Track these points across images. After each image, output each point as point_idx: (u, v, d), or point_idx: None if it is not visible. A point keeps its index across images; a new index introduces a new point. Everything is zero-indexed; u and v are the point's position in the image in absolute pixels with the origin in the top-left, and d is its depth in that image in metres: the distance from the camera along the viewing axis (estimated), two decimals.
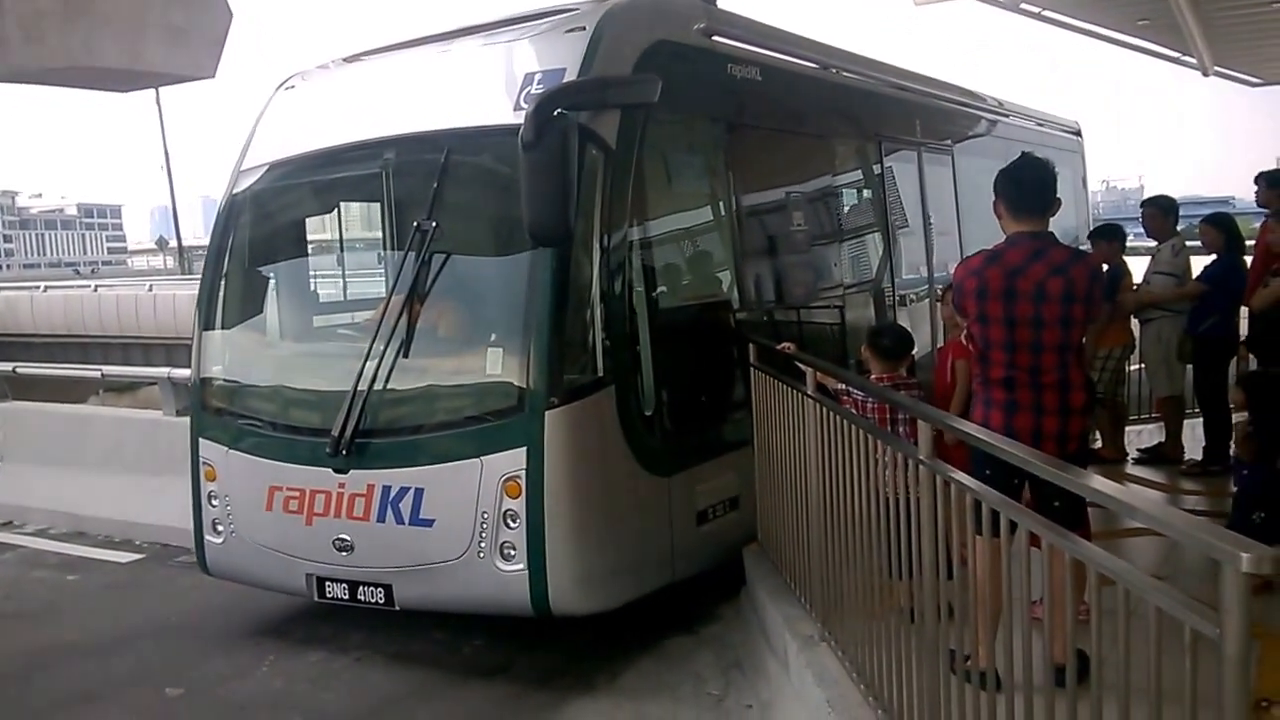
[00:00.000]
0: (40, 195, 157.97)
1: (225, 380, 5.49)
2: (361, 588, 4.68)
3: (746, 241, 5.91)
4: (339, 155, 5.28)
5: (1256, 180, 6.55)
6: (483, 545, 4.40)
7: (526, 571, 4.34)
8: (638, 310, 4.77)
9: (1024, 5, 10.44)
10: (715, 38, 5.54)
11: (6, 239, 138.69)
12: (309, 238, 5.79)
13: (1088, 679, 2.33)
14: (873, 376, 4.69)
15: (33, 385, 9.52)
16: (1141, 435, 7.51)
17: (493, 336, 4.80)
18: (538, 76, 4.65)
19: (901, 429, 4.06)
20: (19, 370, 9.14)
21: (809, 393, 4.15)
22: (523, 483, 4.34)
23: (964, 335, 3.77)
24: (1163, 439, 7.02)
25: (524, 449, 4.34)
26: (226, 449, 5.19)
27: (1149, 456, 6.94)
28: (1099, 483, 2.28)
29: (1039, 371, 3.42)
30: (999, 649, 2.75)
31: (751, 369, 5.13)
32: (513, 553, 4.37)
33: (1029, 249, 3.45)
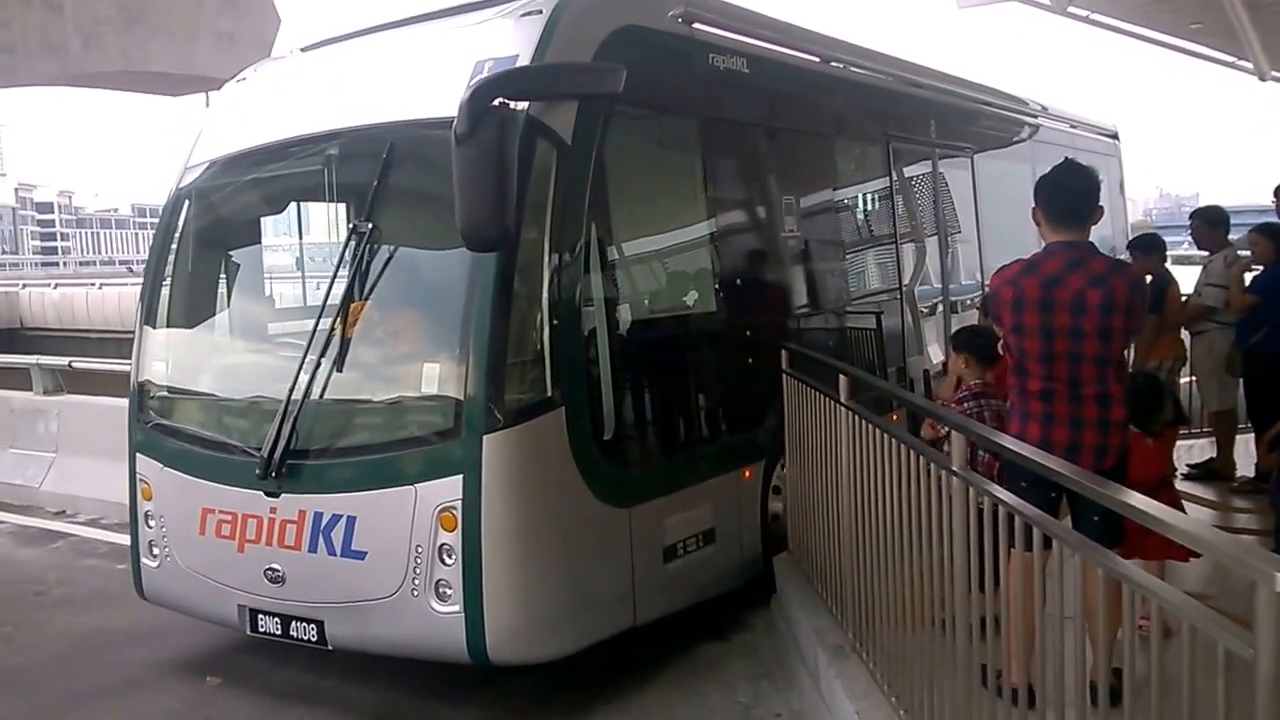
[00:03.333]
0: (97, 195, 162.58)
1: (160, 392, 5.14)
2: (294, 623, 4.33)
3: (727, 250, 5.38)
4: (280, 151, 4.91)
5: None
6: (416, 583, 4.00)
7: (462, 614, 3.94)
8: (596, 324, 4.32)
9: (1071, 9, 10.25)
10: (696, 25, 5.11)
11: (64, 237, 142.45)
12: (245, 239, 5.37)
13: (1121, 698, 2.29)
14: (963, 386, 4.56)
15: (87, 379, 9.73)
16: (1192, 450, 7.33)
17: (431, 350, 4.35)
18: (488, 64, 4.20)
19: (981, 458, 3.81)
20: (74, 364, 9.36)
21: (841, 400, 4.12)
22: (459, 514, 3.92)
23: (1000, 345, 3.72)
24: (1214, 454, 6.87)
25: (460, 476, 3.93)
26: (161, 466, 4.86)
27: (1200, 472, 6.79)
28: (1136, 498, 2.24)
29: (1078, 384, 3.36)
30: (1034, 665, 2.72)
31: (784, 376, 5.09)
32: (448, 592, 3.96)
33: (1067, 259, 3.39)
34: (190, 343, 5.32)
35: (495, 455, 3.92)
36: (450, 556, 3.96)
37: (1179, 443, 7.12)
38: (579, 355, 4.24)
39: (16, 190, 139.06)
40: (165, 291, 5.23)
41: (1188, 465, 6.91)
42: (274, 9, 25.43)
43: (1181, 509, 4.12)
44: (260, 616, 4.43)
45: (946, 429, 4.00)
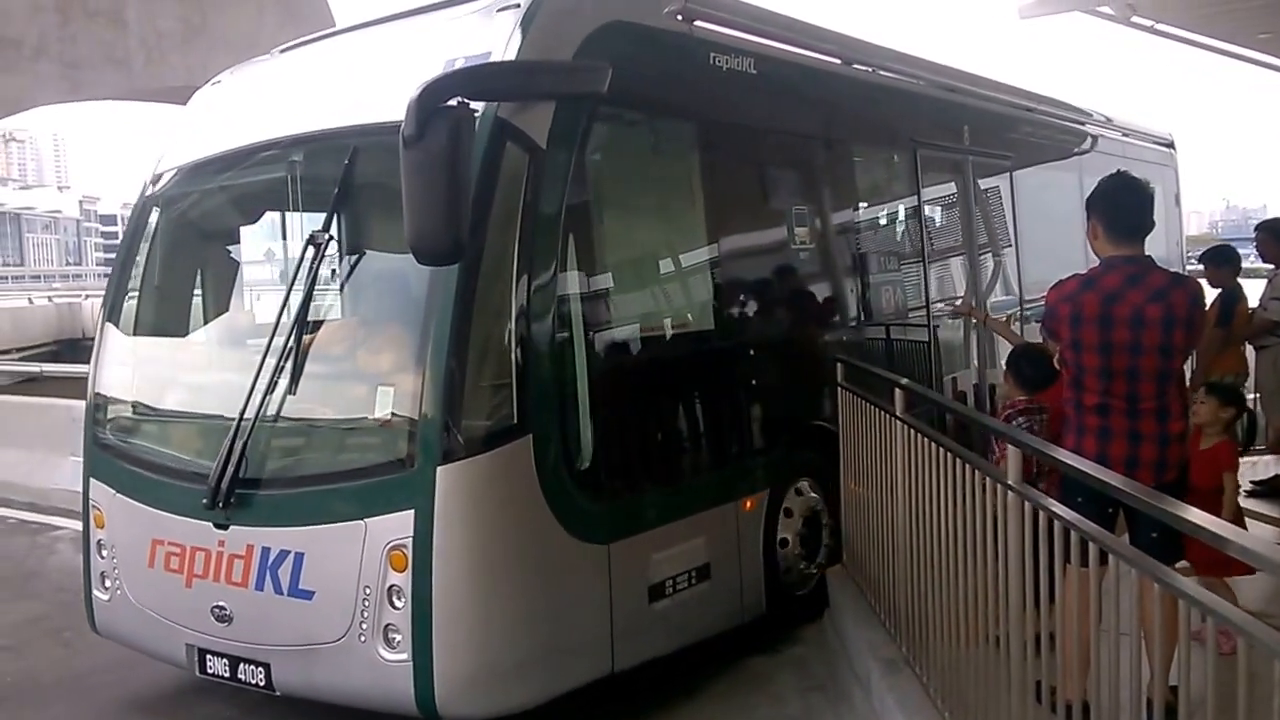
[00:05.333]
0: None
1: (112, 413, 4.85)
2: (241, 665, 4.04)
3: (728, 265, 4.90)
4: (243, 157, 4.63)
5: None
6: (364, 627, 3.68)
7: (410, 663, 3.62)
8: (572, 343, 3.98)
9: (1136, 19, 10.08)
10: (697, 23, 4.72)
11: (110, 248, 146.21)
12: (205, 250, 5.12)
13: (1176, 715, 2.27)
14: (1008, 403, 4.53)
15: None
16: (1256, 467, 7.15)
17: (388, 371, 4.01)
18: (458, 63, 3.90)
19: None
20: None
21: (897, 414, 4.11)
22: (409, 553, 3.60)
23: (1056, 359, 3.69)
24: (1279, 471, 6.72)
25: (411, 511, 3.61)
26: (114, 492, 4.57)
27: (1264, 489, 6.65)
28: (1194, 514, 2.23)
29: (1136, 399, 3.33)
30: (1090, 681, 2.69)
31: (839, 389, 5.08)
32: (397, 638, 3.64)
33: (1126, 273, 3.36)
34: (143, 360, 5.03)
35: (450, 488, 3.60)
36: (400, 599, 3.64)
37: (1243, 459, 6.99)
38: (551, 377, 3.89)
39: (81, 203, 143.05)
40: (126, 304, 4.99)
41: (1251, 482, 6.76)
42: (332, 21, 26.02)
43: (1243, 524, 4.06)
44: (209, 657, 4.17)
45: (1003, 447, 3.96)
